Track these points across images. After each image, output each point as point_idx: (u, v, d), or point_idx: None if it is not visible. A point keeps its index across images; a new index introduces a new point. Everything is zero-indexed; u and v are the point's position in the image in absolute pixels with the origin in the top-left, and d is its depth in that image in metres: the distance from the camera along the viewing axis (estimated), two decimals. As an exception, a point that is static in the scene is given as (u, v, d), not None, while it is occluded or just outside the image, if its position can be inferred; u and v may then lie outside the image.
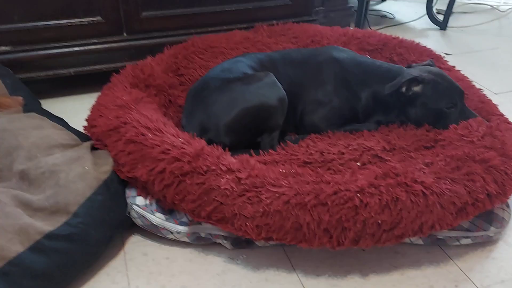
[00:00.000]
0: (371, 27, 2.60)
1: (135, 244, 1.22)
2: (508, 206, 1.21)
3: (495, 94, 1.97)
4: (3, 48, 1.75)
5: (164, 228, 1.18)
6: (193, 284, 1.10)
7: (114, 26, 1.84)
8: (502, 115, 1.37)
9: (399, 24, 2.79)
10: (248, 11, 1.99)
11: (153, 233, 1.22)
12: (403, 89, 1.34)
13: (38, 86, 1.95)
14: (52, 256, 1.02)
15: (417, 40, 1.82)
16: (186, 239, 1.19)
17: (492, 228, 1.16)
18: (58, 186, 1.12)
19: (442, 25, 2.69)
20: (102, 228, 1.13)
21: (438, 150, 1.20)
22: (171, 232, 1.18)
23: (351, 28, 1.92)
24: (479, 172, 1.09)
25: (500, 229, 1.17)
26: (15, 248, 0.99)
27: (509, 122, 1.31)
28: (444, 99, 1.32)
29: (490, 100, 1.47)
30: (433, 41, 2.55)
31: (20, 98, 1.46)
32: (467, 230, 1.15)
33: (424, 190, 1.04)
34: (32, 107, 1.48)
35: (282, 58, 1.52)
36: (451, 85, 1.34)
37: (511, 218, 1.23)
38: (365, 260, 1.16)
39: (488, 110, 1.39)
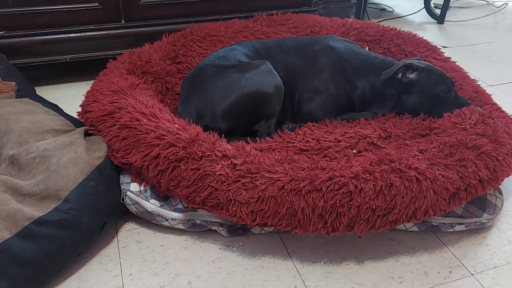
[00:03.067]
0: (370, 20, 2.60)
1: (129, 232, 1.22)
2: (501, 193, 1.22)
3: (490, 86, 1.98)
4: (-3, 32, 1.74)
5: (159, 215, 1.18)
6: (187, 272, 1.10)
7: (112, 12, 1.83)
8: (495, 104, 1.39)
9: (398, 17, 2.80)
10: (247, 1, 1.99)
11: (147, 221, 1.22)
12: (399, 75, 1.36)
13: (33, 73, 1.95)
14: (41, 242, 1.00)
15: (415, 33, 1.82)
16: (181, 226, 1.19)
17: (485, 215, 1.17)
18: (48, 171, 1.11)
19: (440, 19, 2.73)
20: (94, 215, 1.10)
21: (433, 138, 1.21)
22: (166, 219, 1.18)
23: (350, 19, 1.92)
24: (471, 158, 1.10)
25: (493, 216, 1.18)
26: (1, 234, 0.97)
27: (501, 111, 1.33)
28: (439, 84, 1.34)
29: (484, 90, 1.48)
30: (430, 34, 2.57)
31: (13, 84, 1.45)
32: (461, 216, 1.16)
33: (417, 176, 1.05)
34: (25, 93, 1.47)
35: (278, 46, 1.52)
36: (443, 73, 1.38)
37: (504, 205, 1.24)
38: (360, 247, 1.16)
39: (482, 99, 1.41)
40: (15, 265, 0.96)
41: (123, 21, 1.86)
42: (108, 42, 1.87)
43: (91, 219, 1.09)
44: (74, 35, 1.81)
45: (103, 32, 1.85)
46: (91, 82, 1.45)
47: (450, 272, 1.10)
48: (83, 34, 1.83)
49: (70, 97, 1.84)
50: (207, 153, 1.11)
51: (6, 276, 0.95)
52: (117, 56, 1.55)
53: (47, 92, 1.83)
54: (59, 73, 2.03)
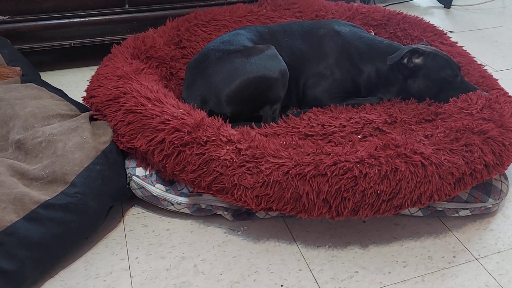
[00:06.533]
0: (376, 4, 2.57)
1: (135, 216, 1.23)
2: (506, 178, 1.22)
3: (497, 71, 1.97)
4: (1, 17, 1.73)
5: (165, 199, 1.19)
6: (193, 255, 1.11)
7: (115, -3, 1.83)
8: (502, 89, 1.38)
9: (404, 1, 2.77)
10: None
11: (153, 205, 1.23)
12: (405, 60, 1.35)
13: (37, 58, 1.95)
14: (48, 226, 1.01)
15: (421, 18, 1.80)
16: (186, 211, 1.20)
17: (490, 200, 1.17)
18: (55, 155, 1.11)
19: (447, 3, 2.70)
20: (101, 199, 1.11)
21: (438, 123, 1.20)
22: (172, 204, 1.19)
23: (356, 4, 1.90)
24: (477, 143, 1.10)
25: (498, 201, 1.18)
26: (9, 217, 0.98)
27: (508, 95, 1.32)
28: (445, 68, 1.34)
29: (491, 75, 1.47)
30: (437, 18, 2.55)
31: (18, 69, 1.45)
32: (466, 201, 1.16)
33: (423, 161, 1.05)
34: (30, 78, 1.47)
35: (283, 30, 1.51)
36: (449, 58, 1.37)
37: (509, 190, 1.24)
38: (365, 232, 1.17)
39: (489, 84, 1.40)
40: (23, 247, 0.97)
41: (127, 6, 1.85)
42: (112, 27, 1.86)
43: (97, 203, 1.10)
44: (78, 20, 1.81)
45: (107, 17, 1.84)
46: (96, 67, 1.45)
47: (454, 256, 1.11)
48: (87, 19, 1.82)
49: (75, 82, 1.84)
50: (212, 138, 1.11)
51: (14, 259, 0.96)
52: (121, 41, 1.55)
53: (51, 77, 1.83)
54: (64, 58, 2.03)
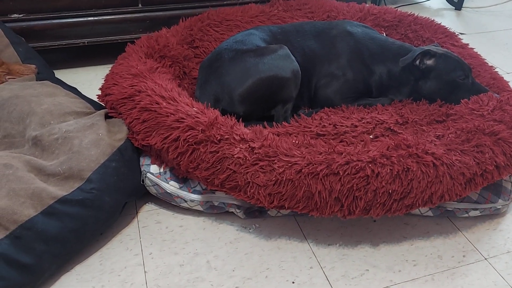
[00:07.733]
0: (387, 5, 2.58)
1: (149, 213, 1.25)
2: (517, 179, 1.23)
3: (507, 73, 1.97)
4: (16, 15, 1.76)
5: (178, 197, 1.20)
6: (206, 251, 1.13)
7: (129, -4, 1.84)
8: (513, 91, 1.39)
9: (415, 3, 2.77)
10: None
11: (166, 202, 1.24)
12: (417, 62, 1.36)
13: (51, 56, 1.97)
14: (65, 220, 1.03)
15: (432, 19, 1.81)
16: (199, 208, 1.21)
17: (500, 201, 1.18)
18: (71, 152, 1.13)
19: (457, 5, 2.69)
20: (116, 195, 1.13)
21: (450, 124, 1.21)
22: (185, 201, 1.21)
23: (367, 5, 1.91)
24: (488, 144, 1.11)
25: (508, 202, 1.19)
26: (28, 212, 1.00)
27: (519, 97, 1.32)
28: (457, 70, 1.35)
29: (502, 77, 1.48)
30: (448, 20, 2.55)
31: (33, 66, 1.47)
32: (476, 202, 1.17)
33: (434, 161, 1.06)
34: (45, 75, 1.49)
35: (295, 30, 1.52)
36: (460, 60, 1.38)
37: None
38: (375, 231, 1.18)
39: (500, 86, 1.41)
40: (41, 241, 1.00)
41: (140, 5, 1.87)
42: (125, 26, 1.88)
43: (112, 199, 1.12)
44: (91, 18, 1.83)
45: (120, 16, 1.86)
46: (109, 66, 1.47)
47: (464, 256, 1.12)
48: (100, 18, 1.84)
49: (88, 80, 1.86)
50: (226, 137, 1.13)
51: (32, 252, 0.98)
52: (134, 40, 1.57)
53: (65, 75, 1.84)
54: (77, 56, 2.05)
